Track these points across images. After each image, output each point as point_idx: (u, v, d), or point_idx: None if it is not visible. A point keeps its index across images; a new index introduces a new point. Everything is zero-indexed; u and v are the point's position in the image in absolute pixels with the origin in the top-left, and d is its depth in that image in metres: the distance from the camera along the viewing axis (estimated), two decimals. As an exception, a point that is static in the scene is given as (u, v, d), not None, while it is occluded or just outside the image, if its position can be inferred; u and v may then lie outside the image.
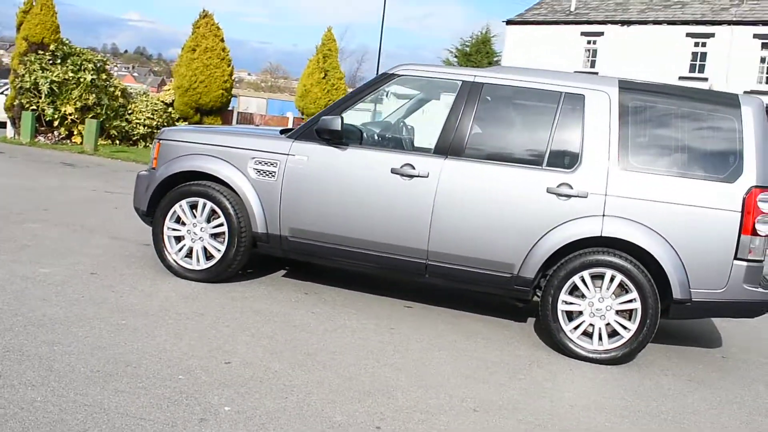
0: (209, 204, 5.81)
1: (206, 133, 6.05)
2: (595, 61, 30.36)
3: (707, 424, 4.30)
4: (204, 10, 21.29)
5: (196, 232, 5.88)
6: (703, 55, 25.47)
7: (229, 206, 5.75)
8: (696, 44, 25.68)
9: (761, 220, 4.98)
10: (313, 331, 5.03)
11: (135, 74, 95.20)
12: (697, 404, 4.64)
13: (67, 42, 18.85)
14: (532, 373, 4.82)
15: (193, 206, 5.89)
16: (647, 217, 5.06)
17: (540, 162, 5.27)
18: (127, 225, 7.98)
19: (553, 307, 5.21)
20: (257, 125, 23.95)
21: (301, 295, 5.93)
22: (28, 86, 18.04)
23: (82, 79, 18.24)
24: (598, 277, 5.16)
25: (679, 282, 5.03)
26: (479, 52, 45.83)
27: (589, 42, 30.62)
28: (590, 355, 5.16)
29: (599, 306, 5.15)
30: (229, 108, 23.21)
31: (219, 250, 5.84)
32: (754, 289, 5.06)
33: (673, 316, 5.25)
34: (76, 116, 18.28)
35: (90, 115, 18.33)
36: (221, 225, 5.81)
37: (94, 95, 18.52)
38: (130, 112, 20.11)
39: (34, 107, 18.16)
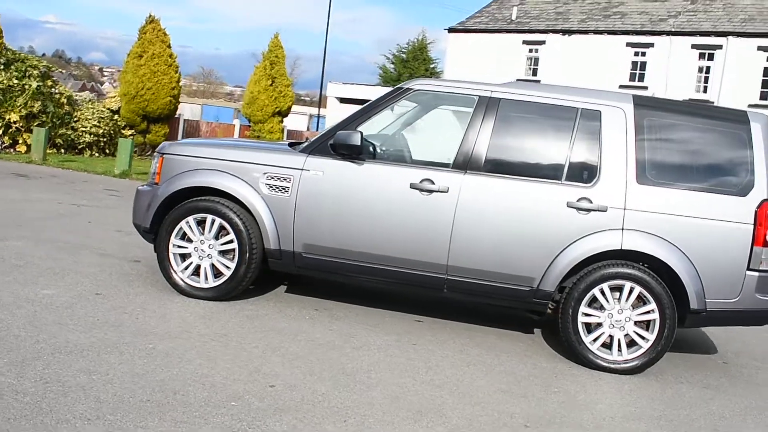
0: (218, 220, 5.67)
1: (213, 148, 5.91)
2: (537, 69, 30.99)
3: (739, 430, 4.43)
4: (150, 15, 20.84)
5: (204, 249, 5.74)
6: (643, 65, 26.32)
7: (239, 222, 5.63)
8: (636, 54, 26.53)
9: (772, 231, 5.17)
10: (341, 350, 4.97)
11: (54, 78, 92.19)
12: (721, 411, 4.78)
13: (10, 48, 18.13)
14: (562, 385, 4.87)
15: (200, 222, 5.75)
16: (664, 230, 5.19)
17: (559, 176, 5.35)
18: (109, 240, 7.73)
19: (573, 320, 5.29)
20: (205, 133, 23.56)
21: (312, 312, 5.85)
22: (-32, 93, 17.30)
23: (27, 86, 17.58)
24: (616, 289, 5.26)
25: (696, 293, 5.18)
26: (416, 58, 46.18)
27: (531, 50, 31.24)
28: (610, 366, 5.26)
29: (618, 317, 5.26)
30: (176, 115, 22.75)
31: (229, 268, 5.71)
32: (765, 298, 5.25)
33: (688, 326, 5.40)
34: (21, 124, 17.59)
35: (35, 123, 17.67)
36: (231, 242, 5.68)
37: (39, 102, 17.87)
38: (75, 119, 19.47)
39: (-24, 115, 17.42)
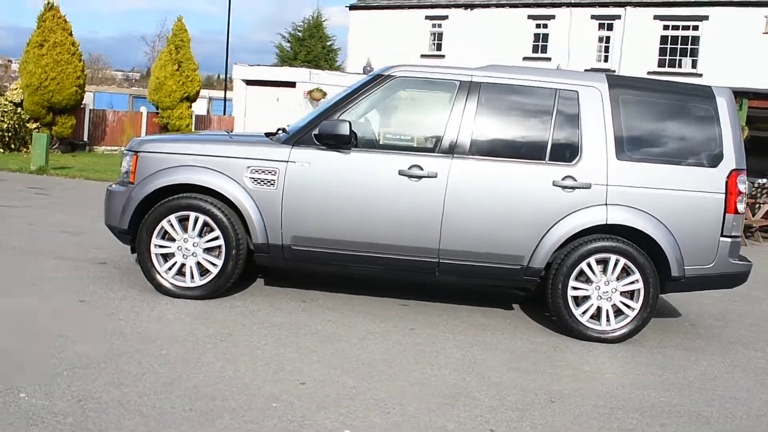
0: (202, 217, 5.54)
1: (191, 143, 5.74)
2: (441, 44, 31.34)
3: (733, 387, 4.76)
4: (49, 2, 19.74)
5: (188, 247, 5.59)
6: (545, 36, 27.09)
7: (224, 219, 5.51)
8: (538, 26, 27.26)
9: (740, 199, 5.52)
10: (348, 340, 4.99)
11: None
12: (711, 371, 5.11)
13: None
14: (563, 358, 5.08)
15: (182, 220, 5.59)
16: (644, 203, 5.45)
17: (543, 157, 5.51)
18: (60, 243, 7.40)
19: (563, 294, 5.49)
20: (112, 122, 22.64)
21: (301, 303, 5.82)
22: None
23: None
24: (602, 262, 5.49)
25: (676, 261, 5.47)
26: (312, 36, 45.75)
27: (434, 26, 31.54)
28: (600, 336, 5.51)
29: (605, 289, 5.50)
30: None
31: (215, 265, 5.59)
32: (736, 261, 5.61)
33: (667, 292, 5.71)
34: None
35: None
36: (216, 239, 5.56)
37: (-66, 97, 16.67)
38: (-25, 114, 18.31)
39: None
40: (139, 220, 5.67)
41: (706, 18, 22.94)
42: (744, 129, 11.54)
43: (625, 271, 5.50)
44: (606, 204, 5.44)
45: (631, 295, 5.53)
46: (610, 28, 25.32)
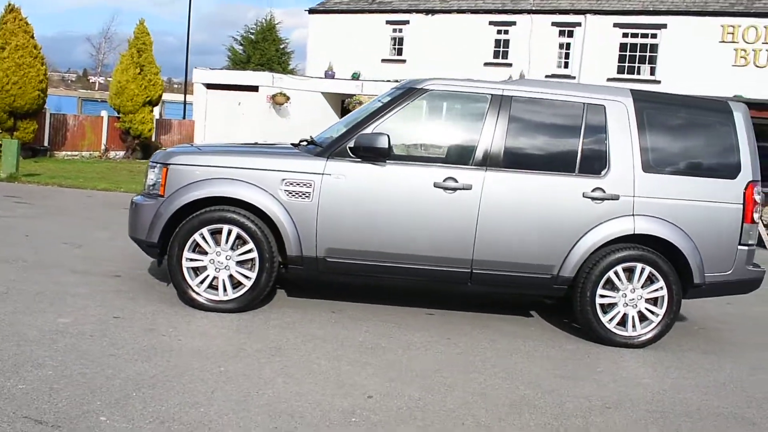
0: (235, 230, 5.53)
1: (223, 155, 5.73)
2: (402, 49, 31.49)
3: (763, 388, 4.99)
4: (10, 4, 19.20)
5: (221, 261, 5.57)
6: (506, 42, 27.48)
7: (258, 231, 5.51)
8: (499, 32, 27.63)
9: (757, 209, 5.77)
10: (394, 352, 5.05)
11: None
12: (736, 373, 5.33)
13: None
14: (599, 364, 5.24)
15: (214, 233, 5.58)
16: (669, 213, 5.66)
17: (573, 169, 5.66)
18: (66, 255, 7.26)
19: (591, 302, 5.65)
20: (73, 127, 22.11)
21: (331, 314, 5.86)
22: None
23: None
24: (628, 270, 5.67)
25: (698, 269, 5.69)
26: (266, 39, 45.50)
27: (394, 30, 31.66)
28: (627, 341, 5.69)
29: (631, 296, 5.68)
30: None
31: (248, 278, 5.59)
32: (751, 268, 5.87)
33: (688, 298, 5.92)
34: None
35: None
36: (249, 251, 5.56)
37: None
38: (-68, 119, 17.67)
39: None
40: (167, 234, 5.63)
41: (664, 26, 23.65)
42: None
43: (650, 279, 5.69)
44: (633, 215, 5.63)
45: (655, 301, 5.72)
46: (570, 35, 25.86)
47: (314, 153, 5.71)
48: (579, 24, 25.40)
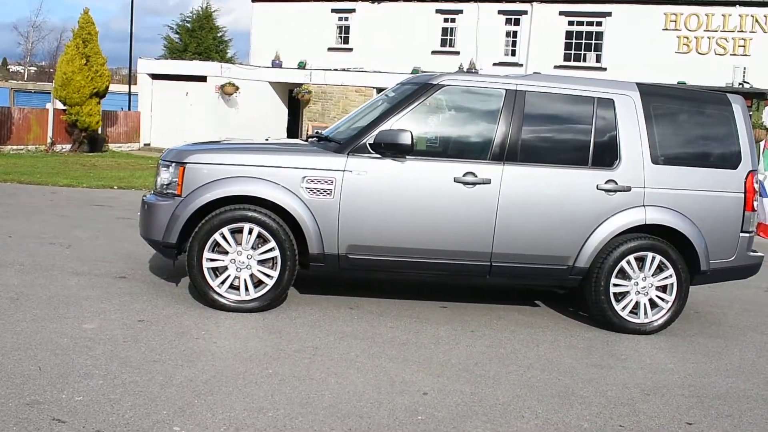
0: (256, 229, 5.48)
1: (242, 153, 5.64)
2: (348, 37, 31.36)
3: (778, 371, 5.26)
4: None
5: (242, 260, 5.52)
6: (453, 30, 27.69)
7: (279, 229, 5.48)
8: (446, 20, 27.81)
9: (756, 198, 6.04)
10: (426, 347, 5.11)
11: None
12: (747, 355, 5.59)
13: None
14: (623, 352, 5.41)
15: (234, 233, 5.52)
16: (677, 203, 5.86)
17: (586, 162, 5.81)
18: (58, 256, 7.03)
19: (605, 291, 5.83)
20: (18, 120, 21.28)
21: (348, 311, 5.87)
22: None
23: None
24: (640, 260, 5.86)
25: (704, 256, 5.93)
26: (203, 27, 44.68)
27: (340, 19, 31.50)
28: (639, 328, 5.89)
29: (643, 284, 5.88)
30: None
31: (270, 276, 5.55)
32: (751, 254, 6.14)
33: (694, 284, 6.15)
34: None
35: None
36: (271, 250, 5.52)
37: None
38: None
39: None
40: (185, 234, 5.54)
41: (609, 14, 24.23)
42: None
43: (660, 268, 5.89)
44: (644, 205, 5.81)
45: (664, 289, 5.93)
46: (517, 23, 26.23)
47: (333, 150, 5.69)
48: (525, 12, 25.79)
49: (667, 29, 23.20)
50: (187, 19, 45.77)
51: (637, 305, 5.90)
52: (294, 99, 28.08)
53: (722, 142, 6.08)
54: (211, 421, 3.60)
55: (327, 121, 26.84)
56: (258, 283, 5.58)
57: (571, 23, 24.98)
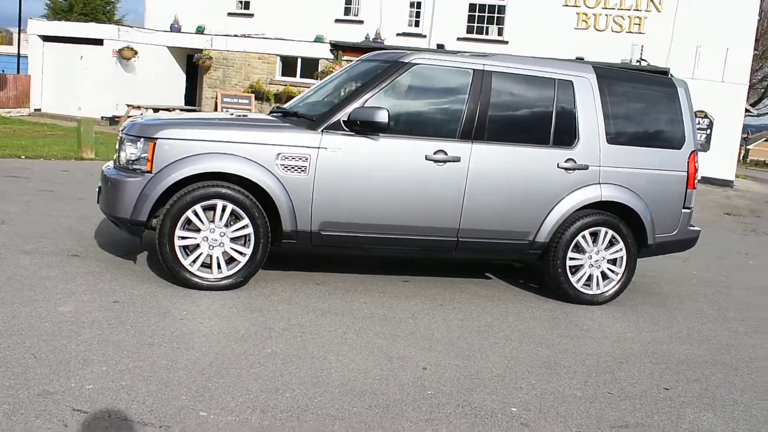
0: (230, 206, 5.41)
1: (215, 129, 5.50)
2: (249, 3, 30.54)
3: (719, 335, 5.74)
4: None
5: (215, 237, 5.44)
6: (358, 0, 27.56)
7: (253, 206, 5.44)
8: (350, -11, 27.61)
9: (696, 176, 6.50)
10: (405, 322, 5.24)
11: None
12: (692, 323, 6.08)
13: None
14: (584, 323, 5.76)
15: (206, 210, 5.43)
16: (629, 181, 6.23)
17: (547, 141, 6.06)
18: (2, 235, 6.68)
19: (563, 264, 6.15)
20: None
21: (316, 287, 5.91)
22: None
23: None
24: (594, 234, 6.20)
25: (651, 231, 6.34)
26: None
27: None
28: (592, 299, 6.26)
29: (596, 258, 6.23)
30: None
31: (242, 254, 5.51)
32: (691, 228, 6.62)
33: (640, 257, 6.57)
34: None
35: None
36: (245, 227, 5.47)
37: None
38: None
39: None
40: (153, 212, 5.41)
41: (512, -11, 24.76)
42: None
43: (611, 242, 6.26)
44: (600, 183, 6.14)
45: (614, 261, 6.31)
46: (421, -7, 26.40)
47: (306, 126, 5.67)
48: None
49: (567, 5, 23.96)
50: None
51: (590, 278, 6.26)
52: (194, 65, 27.21)
53: (669, 124, 6.49)
54: (233, 404, 3.59)
55: (228, 87, 26.23)
56: (230, 261, 5.53)
57: (474, -4, 25.37)
